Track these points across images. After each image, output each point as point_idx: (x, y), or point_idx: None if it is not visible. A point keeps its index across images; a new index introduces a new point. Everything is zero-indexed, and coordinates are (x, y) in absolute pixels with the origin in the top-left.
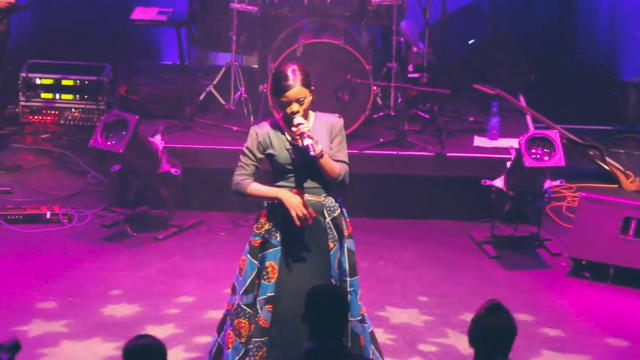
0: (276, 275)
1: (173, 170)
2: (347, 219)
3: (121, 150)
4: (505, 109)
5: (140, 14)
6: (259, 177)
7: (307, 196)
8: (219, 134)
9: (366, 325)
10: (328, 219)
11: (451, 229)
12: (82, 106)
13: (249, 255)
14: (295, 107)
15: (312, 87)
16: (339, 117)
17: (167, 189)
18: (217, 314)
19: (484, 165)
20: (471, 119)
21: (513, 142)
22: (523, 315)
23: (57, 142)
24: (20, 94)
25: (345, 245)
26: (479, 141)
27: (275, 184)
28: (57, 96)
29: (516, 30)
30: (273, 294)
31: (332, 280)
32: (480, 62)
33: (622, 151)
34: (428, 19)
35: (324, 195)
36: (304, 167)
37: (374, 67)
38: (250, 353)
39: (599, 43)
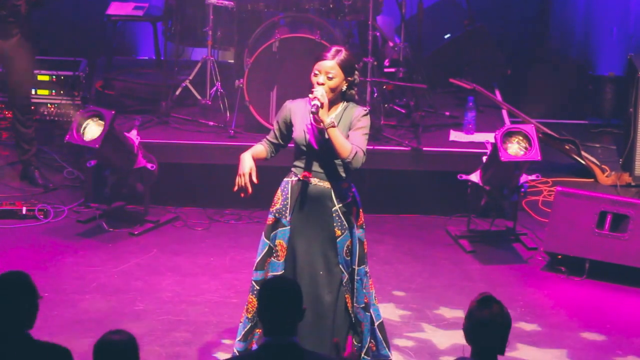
0: (285, 254)
1: (149, 166)
2: (360, 209)
3: (97, 146)
4: (481, 104)
5: (116, 9)
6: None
7: (315, 180)
8: (195, 129)
9: (368, 314)
10: (337, 207)
11: (427, 223)
12: (58, 101)
13: (263, 234)
14: (321, 78)
15: (351, 78)
16: (366, 110)
17: (143, 185)
18: (194, 309)
19: (460, 159)
20: (447, 113)
21: (489, 137)
22: None
23: None
24: None
25: (356, 235)
26: (455, 136)
27: (293, 163)
28: (33, 91)
29: (492, 24)
30: (282, 272)
31: (340, 267)
32: (456, 57)
33: (597, 145)
34: (404, 13)
35: (335, 182)
36: (320, 149)
37: None
38: (259, 325)
39: (575, 37)
